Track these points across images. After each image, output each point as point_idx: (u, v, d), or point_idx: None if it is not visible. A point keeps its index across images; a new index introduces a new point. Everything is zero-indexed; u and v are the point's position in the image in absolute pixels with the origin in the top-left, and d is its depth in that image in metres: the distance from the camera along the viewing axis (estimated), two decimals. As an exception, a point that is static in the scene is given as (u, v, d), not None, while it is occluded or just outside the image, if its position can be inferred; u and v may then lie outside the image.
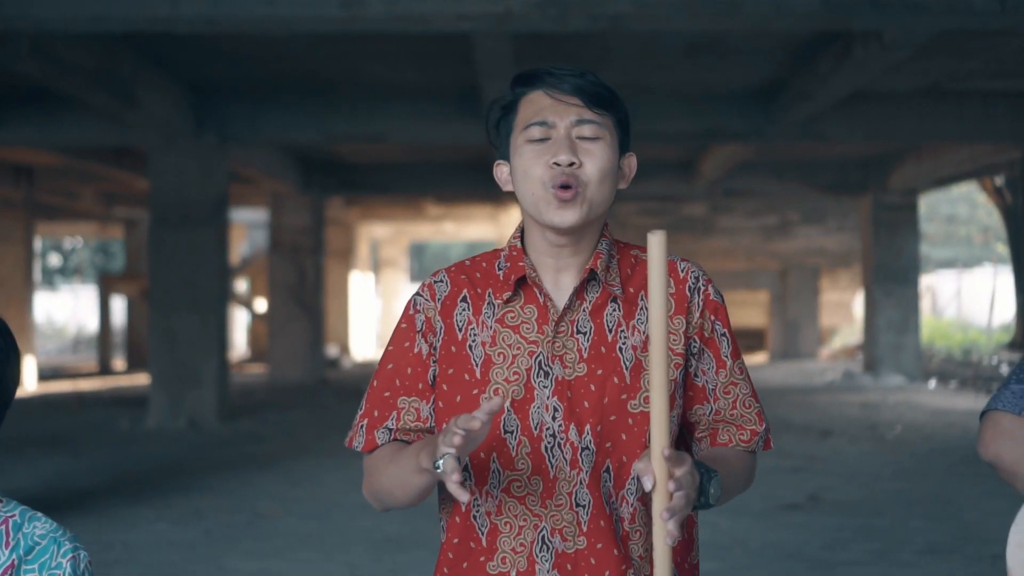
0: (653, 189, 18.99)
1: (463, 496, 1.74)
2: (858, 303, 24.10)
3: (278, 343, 18.49)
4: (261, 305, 23.05)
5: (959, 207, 36.84)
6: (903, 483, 8.86)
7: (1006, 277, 24.99)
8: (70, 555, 1.96)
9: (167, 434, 12.04)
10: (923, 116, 12.68)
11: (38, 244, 36.30)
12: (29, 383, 18.30)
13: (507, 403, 1.99)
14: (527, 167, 2.00)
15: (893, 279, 18.07)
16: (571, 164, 1.96)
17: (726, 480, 1.96)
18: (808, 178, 18.29)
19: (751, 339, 25.29)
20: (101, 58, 9.71)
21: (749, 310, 24.78)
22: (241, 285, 25.82)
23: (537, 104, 2.01)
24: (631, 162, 2.08)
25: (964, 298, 29.65)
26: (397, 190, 19.24)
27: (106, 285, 22.66)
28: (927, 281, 30.94)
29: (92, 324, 31.94)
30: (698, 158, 16.97)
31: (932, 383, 17.32)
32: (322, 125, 12.67)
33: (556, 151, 1.97)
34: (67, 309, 37.03)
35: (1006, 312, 25.61)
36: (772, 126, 12.47)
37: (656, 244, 1.76)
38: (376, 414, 2.06)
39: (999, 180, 19.04)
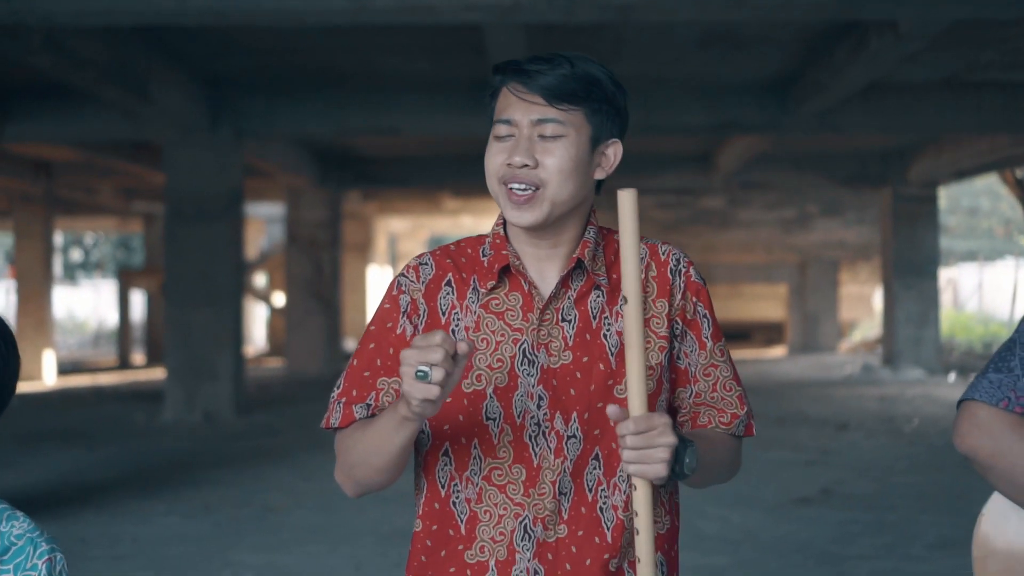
0: (670, 182, 18.91)
1: (463, 346, 1.73)
2: (878, 296, 23.97)
3: (295, 337, 18.50)
4: (279, 299, 23.08)
5: (981, 199, 36.63)
6: (917, 477, 8.79)
7: (1028, 270, 24.83)
8: (46, 556, 1.94)
9: (182, 428, 12.07)
10: (941, 108, 12.56)
11: (59, 239, 36.49)
12: (48, 377, 18.38)
13: (490, 389, 1.96)
14: (489, 163, 1.99)
15: (913, 272, 17.96)
16: (524, 166, 1.94)
17: (705, 455, 1.93)
18: (827, 170, 18.17)
19: (770, 332, 25.21)
20: (114, 52, 9.72)
21: (768, 303, 24.70)
22: (259, 279, 25.86)
23: (504, 100, 1.99)
24: (614, 149, 2.03)
25: (985, 291, 29.45)
26: (414, 183, 19.22)
27: (125, 280, 22.73)
28: (948, 274, 30.77)
29: (112, 319, 32.07)
30: (715, 151, 16.89)
31: (952, 376, 17.21)
32: (337, 118, 12.66)
33: (512, 151, 1.96)
34: (88, 304, 37.18)
35: (1028, 305, 25.44)
36: (788, 118, 12.38)
37: (627, 201, 1.78)
38: (355, 393, 2.01)
39: (1020, 172, 18.88)
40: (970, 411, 1.94)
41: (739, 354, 22.82)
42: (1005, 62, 11.20)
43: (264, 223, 25.99)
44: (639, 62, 11.12)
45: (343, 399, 2.02)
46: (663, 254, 2.05)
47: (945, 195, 32.66)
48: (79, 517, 7.49)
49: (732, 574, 6.02)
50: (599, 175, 2.03)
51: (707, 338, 2.05)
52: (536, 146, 1.95)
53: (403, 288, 2.05)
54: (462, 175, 18.02)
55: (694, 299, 2.05)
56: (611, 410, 1.80)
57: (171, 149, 12.75)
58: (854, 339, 24.29)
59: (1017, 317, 24.75)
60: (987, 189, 35.03)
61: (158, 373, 18.49)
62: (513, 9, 7.32)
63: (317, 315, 18.36)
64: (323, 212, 18.46)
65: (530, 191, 1.95)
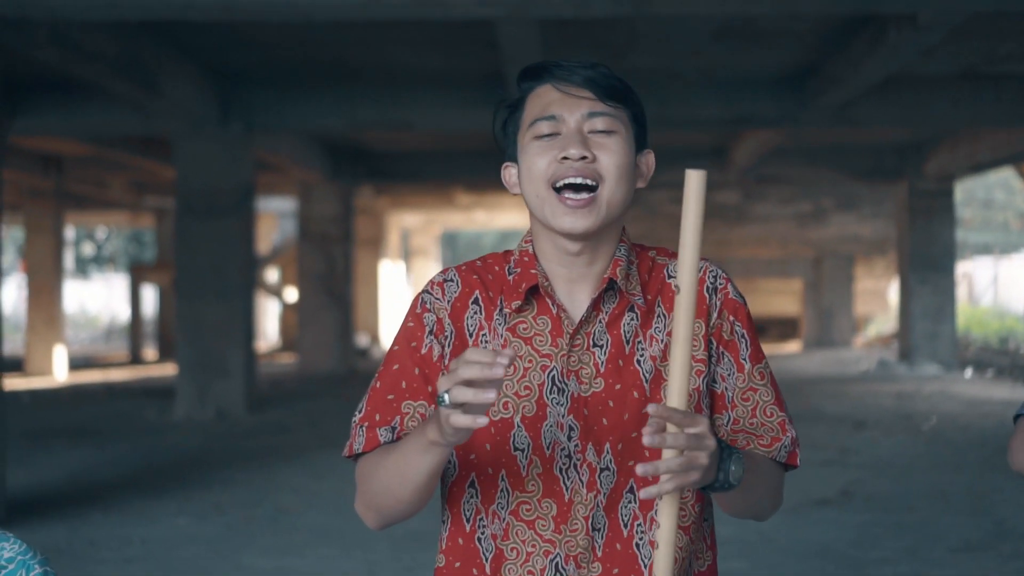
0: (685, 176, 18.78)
1: (480, 420, 1.58)
2: (893, 291, 23.82)
3: (308, 332, 18.43)
4: (291, 295, 23.03)
5: (996, 192, 36.44)
6: (937, 476, 8.67)
7: (1045, 264, 24.66)
8: (38, 578, 1.87)
9: (193, 425, 11.99)
10: (958, 101, 12.42)
11: (71, 233, 36.48)
12: (59, 373, 18.34)
13: (518, 418, 1.83)
14: (532, 163, 1.85)
15: (928, 266, 17.82)
16: (583, 158, 1.81)
17: (750, 470, 1.78)
18: (842, 164, 18.04)
19: (785, 327, 25.09)
20: (122, 45, 9.62)
21: (783, 298, 24.57)
22: (272, 275, 25.81)
23: (545, 98, 1.86)
24: (649, 160, 1.93)
25: (1001, 285, 29.28)
26: (427, 178, 19.13)
27: (137, 274, 22.70)
28: (963, 268, 30.60)
29: (124, 313, 32.07)
30: (730, 144, 16.76)
31: (968, 372, 17.07)
32: (348, 113, 12.56)
33: (566, 145, 1.82)
34: (100, 298, 37.20)
35: (1045, 299, 25.27)
36: (804, 112, 12.25)
37: (695, 181, 1.67)
38: (377, 417, 1.87)
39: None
40: (1020, 428, 1.86)
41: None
42: (1023, 54, 11.05)
43: (276, 217, 25.93)
44: (654, 55, 11.00)
45: (365, 423, 1.89)
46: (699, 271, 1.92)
47: (960, 188, 32.48)
48: (88, 518, 7.41)
49: (751, 578, 5.92)
50: (640, 184, 1.92)
51: (745, 360, 1.91)
52: (590, 141, 1.83)
53: (428, 306, 1.91)
54: (475, 170, 17.92)
55: (731, 318, 1.91)
56: (651, 408, 1.61)
57: (181, 143, 12.67)
58: (869, 334, 24.17)
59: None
60: (1002, 182, 34.84)
61: (170, 369, 18.44)
62: (526, 3, 7.21)
63: (329, 310, 18.29)
64: (335, 207, 18.37)
65: (585, 196, 1.82)
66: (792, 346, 23.79)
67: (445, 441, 1.66)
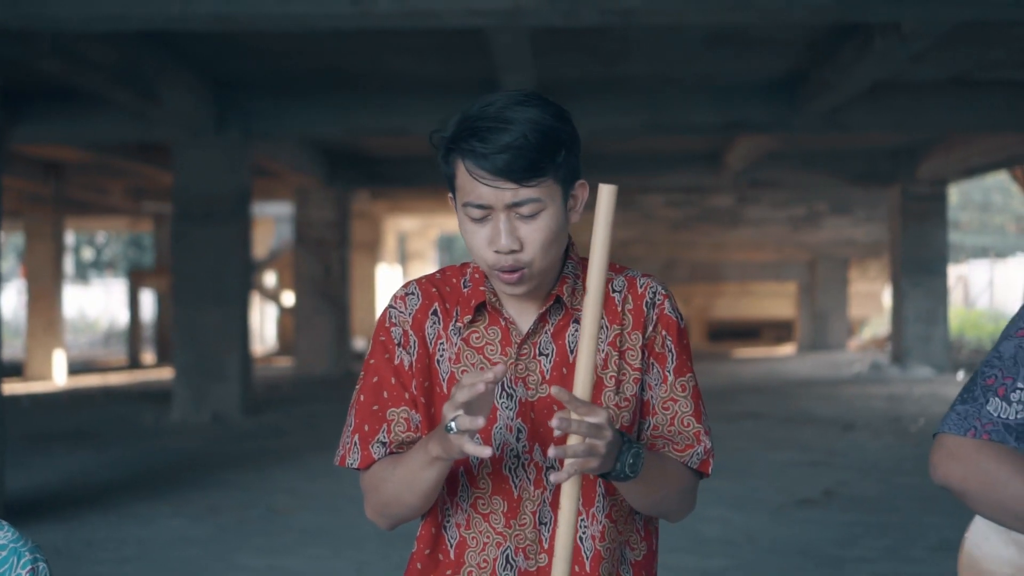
0: (679, 181, 18.93)
1: (484, 451, 1.77)
2: (887, 294, 23.94)
3: (304, 336, 18.55)
4: (288, 299, 23.14)
5: (993, 195, 36.54)
6: (921, 478, 8.78)
7: (1039, 267, 24.79)
8: (29, 566, 1.97)
9: (190, 428, 12.12)
10: (949, 106, 12.55)
11: (71, 238, 36.60)
12: (59, 377, 18.46)
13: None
14: (471, 243, 1.96)
15: (922, 270, 17.94)
16: (511, 251, 1.92)
17: (651, 467, 1.92)
18: (836, 168, 18.16)
19: (780, 330, 25.21)
20: (123, 55, 9.77)
21: (778, 301, 24.70)
22: (269, 279, 25.93)
23: (469, 182, 1.91)
24: (582, 190, 2.00)
25: (997, 288, 29.40)
26: (423, 183, 19.22)
27: (136, 279, 22.81)
28: (960, 271, 30.72)
29: (123, 318, 32.17)
30: (724, 149, 16.88)
31: (960, 374, 17.18)
32: (345, 119, 12.69)
33: (495, 237, 1.92)
34: (99, 302, 37.31)
35: (1039, 302, 25.35)
36: (796, 117, 12.38)
37: (606, 196, 1.78)
38: (367, 428, 2.03)
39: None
40: (941, 443, 2.01)
41: (748, 352, 22.83)
42: (1014, 60, 11.18)
43: (273, 222, 26.05)
44: (647, 62, 11.13)
45: (356, 435, 2.04)
46: (640, 287, 2.06)
47: (956, 191, 32.60)
48: (85, 520, 7.54)
49: (733, 577, 6.05)
50: (574, 219, 2.01)
51: (670, 372, 2.05)
52: (517, 227, 1.92)
53: (393, 320, 2.07)
54: (471, 174, 18.00)
55: (664, 332, 2.05)
56: (555, 389, 1.77)
57: (180, 150, 12.80)
58: (864, 337, 24.28)
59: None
60: (999, 185, 34.94)
61: (168, 373, 18.55)
62: (515, 13, 7.34)
63: (326, 314, 18.41)
64: (332, 212, 18.50)
65: (519, 272, 1.94)
66: (787, 349, 23.91)
67: (449, 458, 1.85)
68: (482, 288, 2.04)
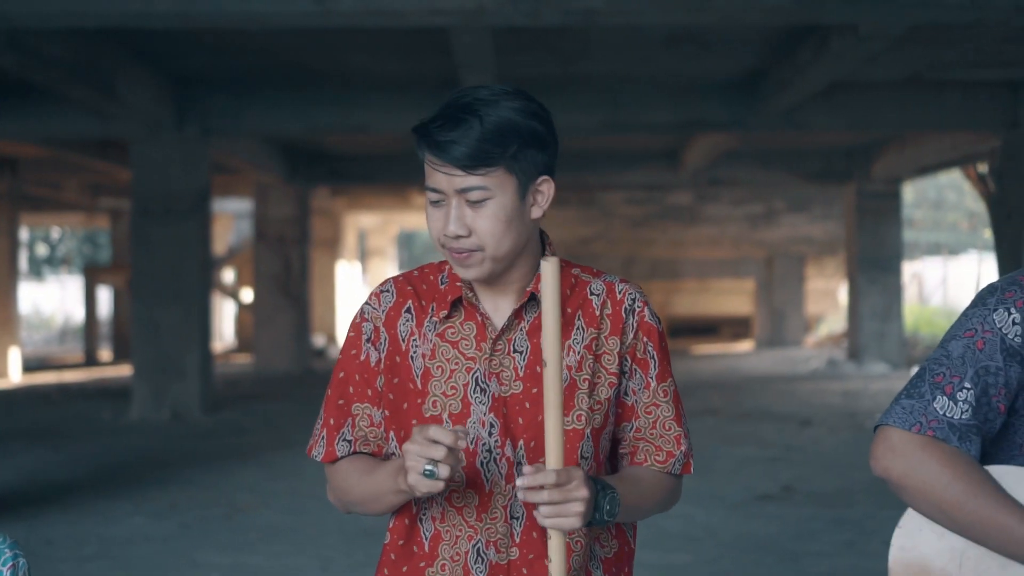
0: (638, 179, 19.02)
1: (462, 442, 1.87)
2: (843, 291, 24.16)
3: (264, 333, 18.51)
4: (247, 295, 23.06)
5: (947, 193, 36.93)
6: (878, 473, 8.91)
7: (991, 264, 25.07)
8: (10, 563, 1.99)
9: (150, 426, 12.07)
10: (904, 105, 12.71)
11: (25, 234, 36.23)
12: (14, 374, 18.31)
13: (445, 415, 2.04)
14: (430, 227, 2.05)
15: (877, 267, 18.14)
16: (458, 236, 1.99)
17: (628, 498, 2.00)
18: (793, 167, 18.33)
19: (737, 327, 25.37)
20: (80, 51, 9.71)
21: (735, 298, 24.85)
22: (227, 275, 25.81)
23: (428, 168, 2.02)
24: (547, 186, 2.05)
25: (950, 285, 29.73)
26: (383, 180, 19.24)
27: (92, 276, 22.65)
28: (914, 268, 31.03)
29: (79, 314, 31.91)
30: (683, 147, 16.99)
31: (915, 370, 17.37)
32: (305, 117, 12.68)
33: (446, 221, 2.00)
34: (54, 299, 36.99)
35: (991, 299, 25.61)
36: (754, 116, 12.49)
37: (549, 270, 1.84)
38: (332, 422, 2.12)
39: (982, 168, 19.07)
40: (884, 435, 2.03)
41: (706, 348, 22.99)
42: (967, 61, 11.34)
43: (232, 218, 25.94)
44: (606, 61, 11.20)
45: (324, 429, 2.14)
46: (619, 293, 2.11)
47: (911, 189, 32.92)
48: (45, 518, 7.51)
49: (693, 572, 6.12)
50: (536, 214, 2.06)
51: (652, 378, 2.11)
52: (466, 212, 1.99)
53: (366, 316, 2.13)
54: (431, 172, 18.03)
55: (645, 339, 2.11)
56: (526, 471, 1.86)
57: (138, 147, 12.74)
58: (820, 333, 24.49)
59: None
60: (952, 183, 35.31)
61: (125, 370, 18.46)
62: (478, 13, 7.38)
63: (286, 311, 18.38)
64: (291, 209, 18.47)
65: (467, 254, 2.01)
66: (744, 345, 24.08)
67: (416, 495, 1.92)
68: (459, 283, 2.09)
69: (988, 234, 28.05)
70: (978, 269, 25.53)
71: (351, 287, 27.02)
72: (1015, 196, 12.76)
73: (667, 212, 22.82)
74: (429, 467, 1.84)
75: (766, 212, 22.94)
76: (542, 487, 1.85)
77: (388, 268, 31.73)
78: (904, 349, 18.58)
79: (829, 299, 25.06)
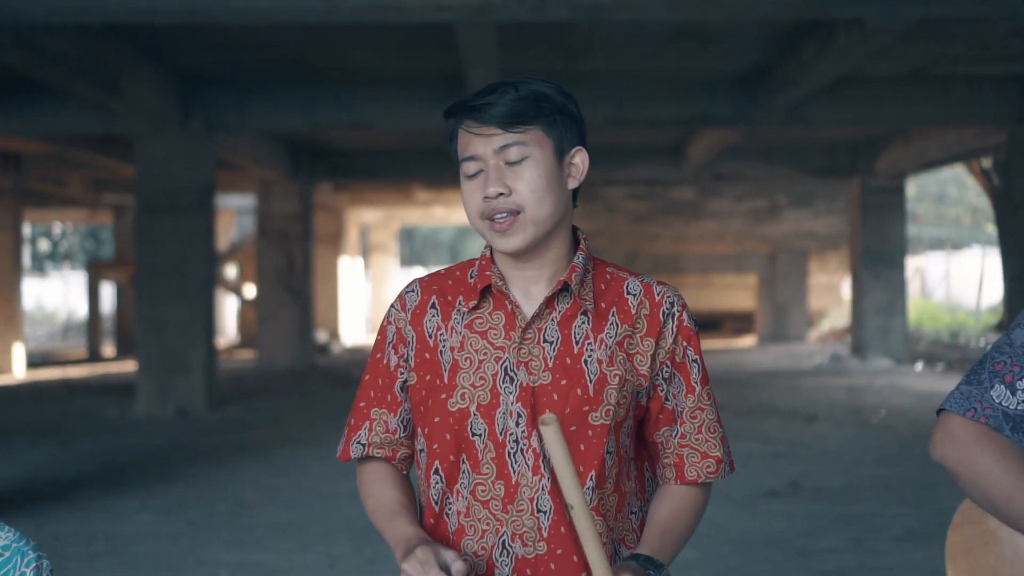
0: (641, 173, 19.01)
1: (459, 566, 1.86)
2: (846, 286, 24.15)
3: (267, 329, 18.51)
4: (250, 291, 23.05)
5: (949, 188, 36.89)
6: (885, 469, 8.91)
7: (994, 258, 25.05)
8: (33, 564, 1.99)
9: (155, 422, 12.07)
10: (909, 100, 12.70)
11: (28, 230, 36.25)
12: (18, 370, 18.31)
13: (473, 407, 2.03)
14: (467, 202, 2.05)
15: (881, 262, 18.13)
16: (500, 195, 2.00)
17: (673, 552, 2.04)
18: (797, 162, 18.31)
19: (740, 322, 25.36)
20: (85, 47, 9.70)
21: (738, 293, 24.83)
22: (230, 271, 25.80)
23: (463, 140, 2.05)
24: (581, 157, 2.08)
25: (953, 279, 29.70)
26: (386, 175, 19.24)
27: (95, 271, 22.65)
28: (917, 262, 31.00)
29: (82, 310, 31.93)
30: (686, 143, 16.98)
31: (919, 366, 17.38)
32: (309, 112, 12.68)
33: (485, 184, 2.01)
34: (57, 295, 37.00)
35: (994, 294, 25.67)
36: (758, 111, 12.48)
37: (550, 432, 1.83)
38: (353, 423, 2.15)
39: (986, 163, 19.06)
40: (943, 422, 2.06)
41: (709, 344, 22.97)
42: (972, 56, 11.32)
43: (235, 214, 25.93)
44: (610, 57, 11.19)
45: (347, 429, 2.17)
46: (658, 295, 2.11)
47: (913, 183, 32.88)
48: (52, 515, 7.51)
49: (701, 568, 6.11)
50: (572, 185, 2.08)
51: (696, 383, 2.12)
52: (506, 173, 2.00)
53: (391, 320, 2.15)
54: (433, 167, 18.07)
55: (685, 343, 2.11)
56: None
57: (142, 143, 12.73)
58: (823, 328, 24.47)
59: (984, 306, 24.98)
60: (954, 178, 35.27)
61: (129, 365, 18.47)
62: (483, 9, 7.36)
63: (289, 307, 18.38)
64: (294, 204, 18.46)
65: (511, 217, 2.00)
66: (747, 341, 24.07)
67: None
68: (488, 273, 2.08)
69: (991, 229, 28.02)
70: (981, 264, 25.49)
71: (354, 283, 27.01)
72: (1021, 191, 12.74)
73: (670, 207, 22.80)
74: None
75: (769, 207, 22.92)
76: None
77: (390, 263, 31.71)
78: (908, 344, 18.57)
79: (832, 294, 25.04)
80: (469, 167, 2.03)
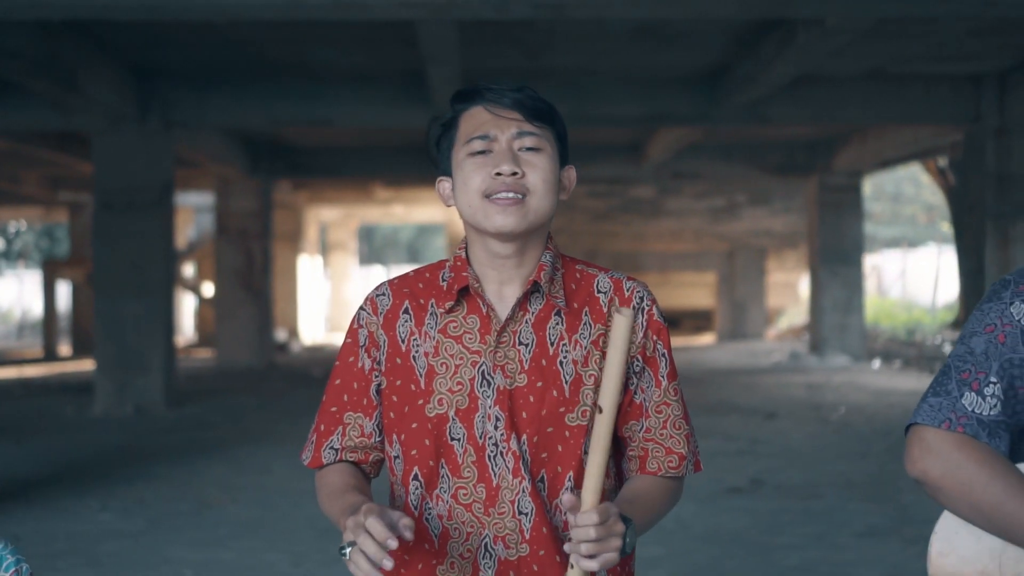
0: (601, 171, 19.06)
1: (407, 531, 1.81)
2: (804, 284, 24.33)
3: (226, 327, 18.41)
4: (208, 289, 22.92)
5: (904, 186, 37.19)
6: (844, 465, 8.98)
7: (950, 256, 25.32)
8: (12, 569, 1.97)
9: (113, 421, 11.97)
10: (867, 99, 12.80)
11: (-19, 228, 35.85)
12: (-27, 370, 18.12)
13: (452, 412, 2.03)
14: (468, 178, 2.03)
15: (838, 260, 18.27)
16: (513, 174, 2.00)
17: (641, 523, 1.98)
18: (755, 160, 18.42)
19: (699, 320, 25.49)
20: (41, 43, 9.59)
21: (697, 291, 24.97)
22: (188, 269, 25.63)
23: (478, 119, 2.05)
24: (571, 174, 2.13)
25: (909, 277, 29.98)
26: (345, 173, 19.20)
27: (51, 270, 22.44)
28: (873, 260, 31.26)
29: (37, 309, 31.60)
30: (646, 141, 17.04)
31: (876, 363, 17.53)
32: (268, 109, 12.62)
33: (498, 162, 2.01)
34: (12, 294, 36.61)
35: (950, 291, 25.94)
36: (718, 110, 12.55)
37: (622, 322, 1.87)
38: (323, 428, 2.12)
39: (942, 161, 19.26)
40: (918, 436, 2.00)
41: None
42: (929, 55, 11.43)
43: (193, 212, 25.77)
44: (571, 54, 11.20)
45: (315, 435, 2.13)
46: (627, 290, 2.10)
47: (869, 182, 33.14)
48: (11, 514, 7.43)
49: (665, 565, 6.13)
50: (563, 196, 2.11)
51: (663, 377, 2.11)
52: (519, 158, 2.02)
53: (361, 323, 2.12)
54: (394, 165, 18.04)
55: (655, 338, 2.11)
56: (566, 499, 1.83)
57: (100, 140, 12.62)
58: (781, 326, 24.64)
59: (939, 303, 25.22)
60: (910, 176, 35.57)
61: (86, 364, 18.31)
62: (447, 6, 7.35)
63: (247, 305, 18.29)
64: (253, 202, 18.38)
65: (517, 198, 2.01)
66: (706, 338, 24.19)
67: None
68: (464, 274, 2.07)
69: (947, 227, 28.30)
70: (937, 261, 25.74)
71: (313, 281, 26.91)
72: (976, 189, 12.87)
73: (629, 205, 22.89)
74: (345, 548, 1.82)
75: (727, 205, 23.05)
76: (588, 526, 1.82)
77: (350, 262, 31.61)
78: (865, 341, 18.73)
79: (789, 292, 25.22)
80: (478, 144, 2.03)
